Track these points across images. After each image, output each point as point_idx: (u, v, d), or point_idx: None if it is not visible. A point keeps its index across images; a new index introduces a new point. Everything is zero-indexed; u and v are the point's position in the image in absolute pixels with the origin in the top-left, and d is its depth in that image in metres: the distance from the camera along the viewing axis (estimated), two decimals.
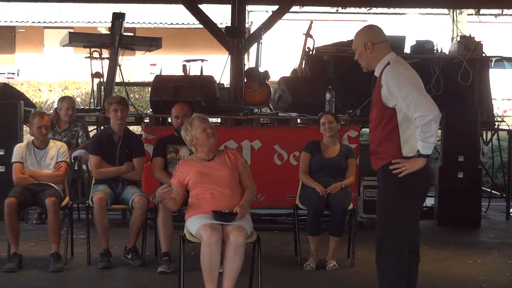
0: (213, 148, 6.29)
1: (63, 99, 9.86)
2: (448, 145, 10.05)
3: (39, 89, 24.82)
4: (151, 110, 10.21)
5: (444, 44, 11.44)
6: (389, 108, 5.14)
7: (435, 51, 11.05)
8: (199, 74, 11.11)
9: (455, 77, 10.56)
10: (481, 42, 11.00)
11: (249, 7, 24.24)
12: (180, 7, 12.46)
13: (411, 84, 5.08)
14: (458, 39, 11.15)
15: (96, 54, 11.29)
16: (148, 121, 9.98)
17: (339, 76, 10.73)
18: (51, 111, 10.20)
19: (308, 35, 11.48)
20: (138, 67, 23.34)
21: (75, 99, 22.72)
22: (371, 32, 5.32)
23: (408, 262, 5.21)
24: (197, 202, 6.07)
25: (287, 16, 12.10)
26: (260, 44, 10.89)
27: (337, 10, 24.25)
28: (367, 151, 9.35)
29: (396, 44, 10.68)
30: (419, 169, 5.12)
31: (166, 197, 6.04)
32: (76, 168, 9.19)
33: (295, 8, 14.46)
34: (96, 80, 11.50)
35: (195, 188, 6.13)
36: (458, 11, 16.43)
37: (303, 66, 11.43)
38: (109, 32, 11.50)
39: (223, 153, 6.36)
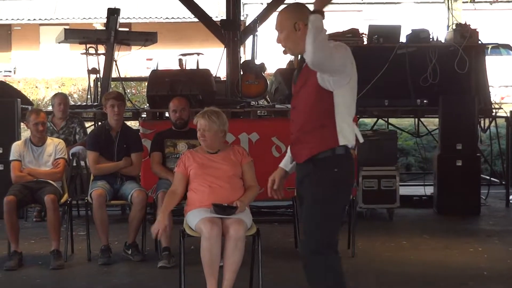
0: (213, 145, 6.24)
1: (55, 95, 9.92)
2: (446, 133, 10.02)
3: (36, 86, 24.81)
4: (148, 105, 10.20)
5: (440, 33, 11.39)
6: (327, 91, 4.65)
7: (431, 40, 11.00)
8: (195, 67, 11.09)
9: (452, 65, 10.52)
10: (477, 30, 10.95)
11: (244, 0, 24.29)
12: (175, 1, 12.43)
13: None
14: (454, 27, 11.12)
15: (92, 50, 11.29)
16: (145, 116, 9.96)
17: None
18: (49, 108, 10.20)
19: None
20: (134, 62, 23.32)
21: (72, 95, 22.78)
22: (300, 12, 4.74)
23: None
24: (196, 196, 6.05)
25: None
26: (255, 37, 10.88)
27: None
28: (367, 141, 9.40)
29: (391, 33, 10.69)
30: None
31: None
32: (74, 164, 9.19)
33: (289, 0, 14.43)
34: (93, 76, 11.50)
35: (195, 180, 6.10)
36: None
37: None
38: (104, 28, 11.49)
39: (230, 148, 6.32)
